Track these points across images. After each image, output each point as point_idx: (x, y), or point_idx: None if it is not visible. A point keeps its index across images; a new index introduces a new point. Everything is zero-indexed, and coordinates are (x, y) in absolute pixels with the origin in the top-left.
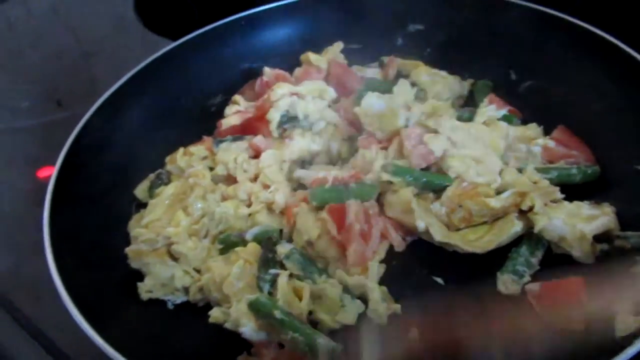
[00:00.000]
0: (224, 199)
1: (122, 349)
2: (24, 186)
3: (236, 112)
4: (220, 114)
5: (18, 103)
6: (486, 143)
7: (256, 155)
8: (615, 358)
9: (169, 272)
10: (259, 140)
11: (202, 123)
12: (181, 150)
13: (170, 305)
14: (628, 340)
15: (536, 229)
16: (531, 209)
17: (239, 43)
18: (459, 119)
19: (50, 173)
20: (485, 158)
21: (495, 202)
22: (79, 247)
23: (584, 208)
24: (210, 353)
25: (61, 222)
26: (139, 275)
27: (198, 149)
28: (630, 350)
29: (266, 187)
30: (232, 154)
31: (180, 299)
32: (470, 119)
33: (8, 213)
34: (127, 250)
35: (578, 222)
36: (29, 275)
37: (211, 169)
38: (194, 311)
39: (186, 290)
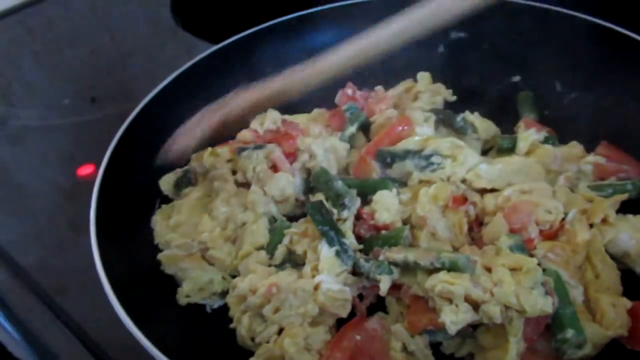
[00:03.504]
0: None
1: (167, 350)
2: (60, 183)
3: (253, 131)
4: None
5: (54, 101)
6: (528, 173)
7: (273, 167)
8: None
9: (208, 276)
10: (278, 157)
11: (240, 126)
12: (208, 149)
13: (208, 309)
14: None
15: (604, 241)
16: (604, 220)
17: (274, 48)
18: (500, 149)
19: (91, 171)
20: (536, 189)
21: (569, 226)
22: (124, 245)
23: None
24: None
25: (106, 220)
26: None
27: (223, 151)
28: None
29: None
30: (252, 162)
31: (217, 303)
32: (511, 148)
33: (43, 208)
34: (160, 256)
35: None
36: (61, 268)
37: (234, 172)
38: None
39: (223, 294)
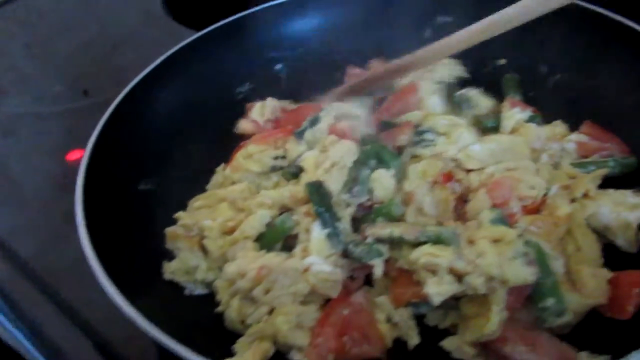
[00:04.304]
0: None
1: (155, 321)
2: (50, 170)
3: (253, 121)
4: (246, 101)
5: (45, 90)
6: (515, 151)
7: None
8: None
9: (195, 261)
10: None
11: (229, 111)
12: (240, 154)
13: (187, 292)
14: None
15: (585, 215)
16: (585, 194)
17: (265, 32)
18: (484, 129)
19: (80, 156)
20: (520, 166)
21: (551, 201)
22: (109, 225)
23: (628, 196)
24: None
25: (92, 201)
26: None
27: (259, 149)
28: None
29: None
30: (316, 134)
31: (198, 290)
32: (495, 127)
33: (35, 197)
34: (167, 230)
35: (623, 211)
36: (58, 259)
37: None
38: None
39: (208, 284)
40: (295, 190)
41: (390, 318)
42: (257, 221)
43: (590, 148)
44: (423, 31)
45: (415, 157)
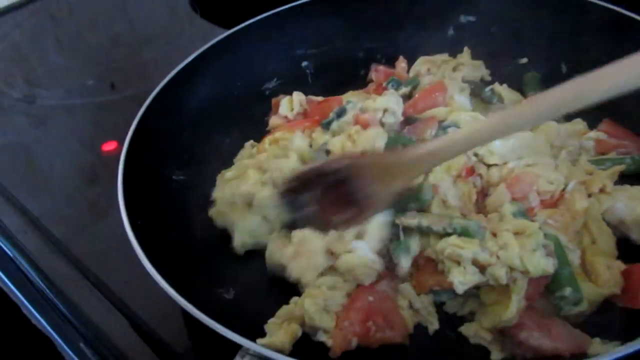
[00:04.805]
0: None
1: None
2: (81, 160)
3: (284, 117)
4: (274, 97)
5: (75, 84)
6: (535, 148)
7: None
8: None
9: (254, 221)
10: (369, 116)
11: (257, 106)
12: (267, 139)
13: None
14: None
15: (601, 210)
16: (602, 189)
17: (292, 31)
18: None
19: (114, 147)
20: (540, 162)
21: (569, 196)
22: (148, 215)
23: None
24: None
25: (131, 189)
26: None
27: (287, 136)
28: None
29: None
30: (342, 125)
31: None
32: None
33: (62, 186)
34: (211, 212)
35: (638, 206)
36: (94, 236)
37: None
38: None
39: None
40: None
41: (412, 304)
42: None
43: (608, 145)
44: (446, 30)
45: None
